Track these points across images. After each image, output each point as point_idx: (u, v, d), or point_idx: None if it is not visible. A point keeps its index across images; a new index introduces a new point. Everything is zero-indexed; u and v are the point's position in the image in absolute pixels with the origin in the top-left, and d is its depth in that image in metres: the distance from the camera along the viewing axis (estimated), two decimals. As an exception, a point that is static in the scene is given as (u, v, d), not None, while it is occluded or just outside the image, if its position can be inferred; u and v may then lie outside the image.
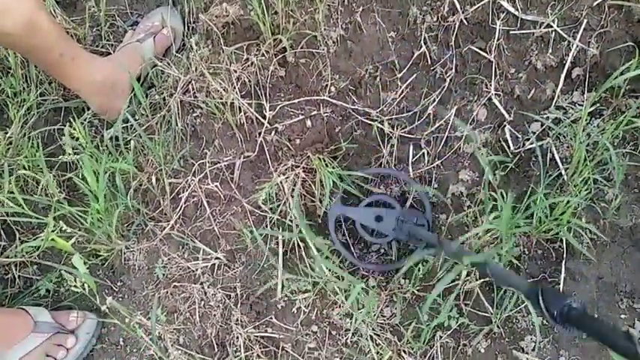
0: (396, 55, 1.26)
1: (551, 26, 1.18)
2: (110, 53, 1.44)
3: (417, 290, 1.16)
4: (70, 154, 1.20)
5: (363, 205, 1.25)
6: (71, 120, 1.25)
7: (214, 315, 1.18)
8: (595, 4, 1.17)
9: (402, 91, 1.27)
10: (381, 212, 1.22)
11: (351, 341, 1.15)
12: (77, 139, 1.19)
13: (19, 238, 1.29)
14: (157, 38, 1.39)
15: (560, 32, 1.18)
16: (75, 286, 1.02)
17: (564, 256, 1.12)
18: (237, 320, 1.17)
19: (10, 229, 1.30)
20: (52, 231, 1.09)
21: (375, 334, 1.13)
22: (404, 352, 1.11)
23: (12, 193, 1.26)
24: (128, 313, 1.16)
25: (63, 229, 1.08)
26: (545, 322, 1.10)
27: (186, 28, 1.44)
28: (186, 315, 1.18)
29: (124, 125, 1.31)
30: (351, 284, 1.11)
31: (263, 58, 1.26)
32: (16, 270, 1.27)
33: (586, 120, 1.13)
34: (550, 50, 1.20)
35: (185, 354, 1.15)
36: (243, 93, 1.25)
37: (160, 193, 1.25)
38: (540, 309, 0.68)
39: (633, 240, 1.12)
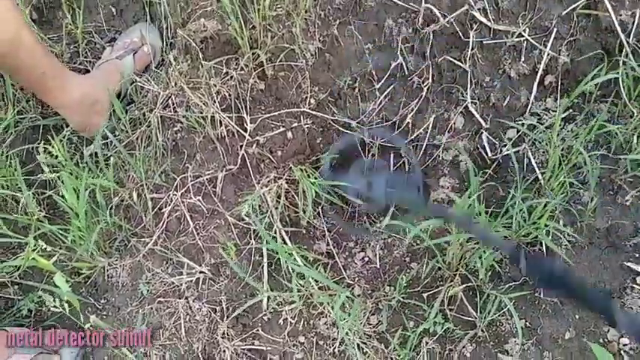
0: (374, 66, 1.28)
1: (523, 35, 1.22)
2: (88, 70, 1.43)
3: (403, 297, 1.17)
4: (47, 172, 1.19)
5: (353, 170, 1.23)
6: (49, 137, 1.24)
7: (200, 329, 1.17)
8: (564, 13, 1.21)
9: (381, 102, 1.29)
10: (370, 177, 1.21)
11: (338, 350, 1.15)
12: (56, 156, 1.18)
13: (-1, 259, 1.27)
14: (136, 55, 1.39)
15: (532, 41, 1.22)
16: (55, 306, 1.01)
17: (544, 258, 1.14)
18: (224, 334, 1.16)
19: (-11, 250, 1.28)
20: (33, 250, 1.08)
21: (362, 342, 1.13)
22: (391, 359, 1.12)
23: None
24: (112, 330, 1.14)
25: (44, 247, 1.07)
26: (527, 324, 1.12)
27: (164, 43, 1.44)
28: (172, 330, 1.17)
29: (104, 141, 1.30)
30: (336, 294, 1.12)
31: (242, 72, 1.27)
32: (-5, 291, 1.25)
33: (560, 125, 1.17)
34: (523, 59, 1.24)
35: (171, 370, 1.14)
36: (224, 107, 1.26)
37: (142, 209, 1.24)
38: (522, 270, 0.68)
39: (610, 241, 1.15)
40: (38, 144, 1.35)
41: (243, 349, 1.16)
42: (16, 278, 1.25)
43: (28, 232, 1.25)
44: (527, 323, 1.12)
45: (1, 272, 1.24)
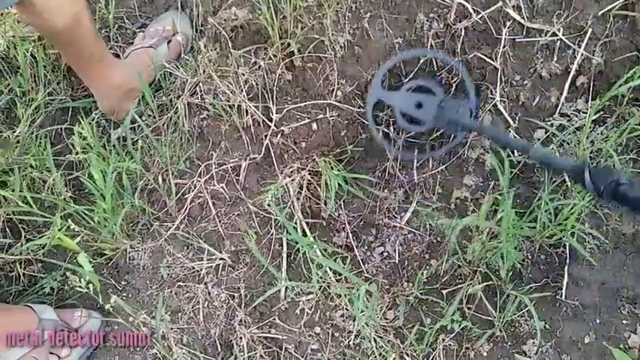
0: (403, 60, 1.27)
1: (557, 35, 1.20)
2: (119, 55, 1.45)
3: (421, 294, 1.17)
4: (77, 153, 1.21)
5: (404, 90, 1.19)
6: (79, 119, 1.26)
7: (218, 315, 1.18)
8: (600, 13, 1.18)
9: (408, 97, 1.28)
10: (422, 98, 1.16)
11: (353, 343, 1.15)
12: (85, 138, 1.20)
13: (25, 236, 1.30)
14: (170, 44, 1.40)
15: (566, 41, 1.20)
16: (80, 286, 1.03)
17: (567, 261, 1.13)
18: (241, 321, 1.17)
19: (16, 227, 1.31)
20: (59, 229, 1.10)
21: (377, 336, 1.13)
22: (407, 354, 1.12)
23: (20, 191, 1.27)
24: (132, 312, 1.16)
25: (70, 226, 1.09)
26: (547, 326, 1.11)
27: (194, 31, 1.46)
28: (190, 315, 1.19)
29: (132, 126, 1.32)
30: (354, 287, 1.12)
31: (271, 61, 1.27)
32: (20, 268, 1.27)
33: (590, 127, 1.15)
34: (555, 58, 1.22)
35: (189, 353, 1.16)
36: (251, 96, 1.27)
37: (165, 194, 1.26)
38: (587, 186, 0.66)
39: (635, 246, 1.13)
40: (67, 125, 1.38)
41: (260, 337, 1.17)
42: (40, 256, 1.28)
43: (55, 211, 1.28)
44: (546, 325, 1.11)
45: (27, 250, 1.26)
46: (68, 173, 1.32)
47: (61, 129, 1.38)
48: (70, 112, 1.41)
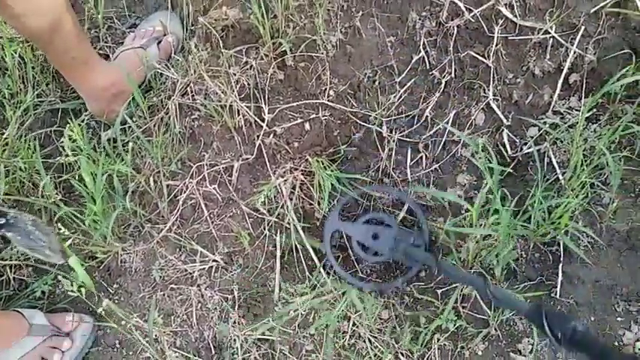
0: (395, 59, 1.27)
1: (549, 32, 1.19)
2: (109, 55, 1.44)
3: (416, 293, 1.16)
4: (67, 155, 1.19)
5: (361, 221, 1.23)
6: (68, 121, 1.25)
7: (211, 317, 1.17)
8: (592, 11, 1.18)
9: (401, 95, 1.27)
10: (377, 230, 1.20)
11: (348, 344, 1.14)
12: (74, 140, 1.19)
13: (15, 240, 1.28)
14: (161, 45, 1.39)
15: (558, 38, 1.20)
16: (71, 290, 1.02)
17: (561, 259, 1.13)
18: (235, 322, 1.16)
19: (6, 231, 1.29)
20: (50, 232, 1.08)
21: (372, 336, 1.13)
22: (402, 354, 1.11)
23: (8, 194, 1.26)
24: (125, 315, 1.15)
25: (60, 231, 1.07)
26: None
27: (185, 30, 1.44)
28: (183, 317, 1.17)
29: (122, 127, 1.30)
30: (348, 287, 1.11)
31: (262, 61, 1.26)
32: (11, 272, 1.25)
33: (583, 125, 1.14)
34: (548, 56, 1.22)
35: (182, 356, 1.15)
36: (242, 96, 1.25)
37: (157, 195, 1.25)
38: (544, 331, 0.68)
39: (629, 244, 1.13)
40: (57, 127, 1.36)
41: (254, 339, 1.16)
42: (30, 261, 1.26)
43: (44, 214, 1.26)
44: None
45: (17, 254, 1.25)
46: (58, 176, 1.30)
47: (51, 131, 1.36)
48: (59, 114, 1.40)
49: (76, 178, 1.19)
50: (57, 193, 1.26)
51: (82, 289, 0.96)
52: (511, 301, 0.83)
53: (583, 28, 1.18)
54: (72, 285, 0.95)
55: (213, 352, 1.16)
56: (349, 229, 1.23)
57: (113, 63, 1.34)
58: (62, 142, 1.31)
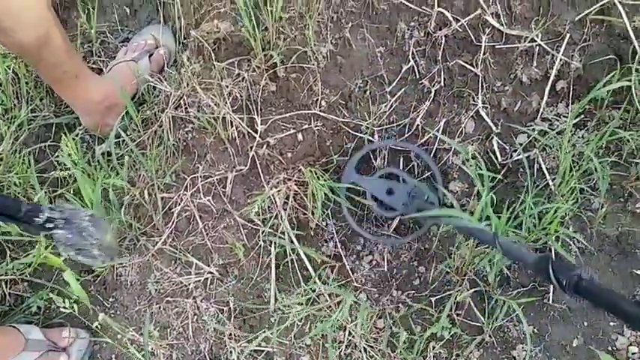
0: (385, 69, 1.28)
1: (535, 40, 1.21)
2: (102, 69, 1.44)
3: (410, 302, 1.17)
4: (62, 169, 1.20)
5: (377, 176, 1.24)
6: (63, 135, 1.25)
7: (207, 330, 1.18)
8: (577, 19, 1.20)
9: (392, 105, 1.29)
10: (393, 185, 1.21)
11: (345, 353, 1.15)
12: (69, 154, 1.19)
13: (10, 255, 1.28)
14: (152, 57, 1.40)
15: (544, 46, 1.22)
16: (64, 307, 1.02)
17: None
18: (231, 335, 1.16)
19: (1, 246, 1.29)
20: (45, 248, 1.09)
21: (368, 345, 1.13)
22: (397, 363, 1.12)
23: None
24: (120, 329, 1.15)
25: (54, 245, 1.08)
26: (535, 330, 1.11)
27: (177, 44, 1.45)
28: (179, 330, 1.18)
29: (116, 140, 1.31)
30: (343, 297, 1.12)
31: (254, 73, 1.27)
32: (6, 287, 1.26)
33: (571, 131, 1.16)
34: (535, 64, 1.23)
35: (178, 369, 1.15)
36: (235, 108, 1.27)
37: (152, 208, 1.25)
38: (550, 280, 0.69)
39: (620, 248, 1.14)
40: (51, 142, 1.37)
41: (250, 351, 1.16)
42: (26, 276, 1.27)
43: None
44: (535, 329, 1.11)
45: (12, 270, 1.25)
46: (53, 190, 1.31)
47: (45, 146, 1.37)
48: (53, 129, 1.40)
49: (71, 192, 1.20)
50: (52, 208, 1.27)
51: (76, 305, 0.96)
52: (518, 253, 0.83)
53: (568, 35, 1.20)
54: (64, 302, 0.95)
55: (210, 364, 1.16)
56: (364, 183, 1.23)
57: (105, 76, 1.35)
58: (57, 156, 1.32)
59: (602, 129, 1.16)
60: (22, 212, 0.87)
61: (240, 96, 1.27)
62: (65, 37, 1.15)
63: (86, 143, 1.39)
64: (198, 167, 1.27)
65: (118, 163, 1.27)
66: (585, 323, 1.10)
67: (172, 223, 1.25)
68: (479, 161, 1.22)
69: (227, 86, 1.26)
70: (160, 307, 1.20)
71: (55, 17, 1.10)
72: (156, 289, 1.21)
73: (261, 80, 1.27)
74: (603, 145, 1.20)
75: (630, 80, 1.15)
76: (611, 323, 1.09)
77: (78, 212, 0.97)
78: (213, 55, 1.28)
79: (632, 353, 1.06)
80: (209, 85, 1.27)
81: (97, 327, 1.14)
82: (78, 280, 1.14)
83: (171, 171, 1.27)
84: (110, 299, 1.25)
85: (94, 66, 1.47)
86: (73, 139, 1.28)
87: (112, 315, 1.24)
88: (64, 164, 1.24)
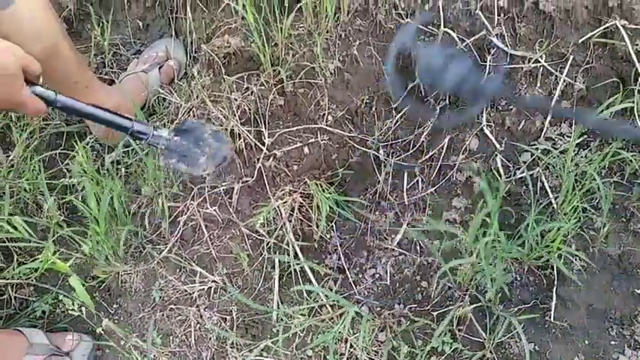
0: (391, 86, 1.31)
1: (539, 61, 1.24)
2: (114, 80, 1.48)
3: (412, 315, 1.18)
4: (71, 177, 1.22)
5: (434, 46, 1.13)
6: (73, 144, 1.28)
7: (210, 338, 1.18)
8: (580, 41, 1.23)
9: (397, 121, 1.31)
10: (453, 56, 1.08)
11: (345, 366, 1.15)
12: (80, 163, 1.22)
13: (17, 260, 1.30)
14: (162, 69, 1.43)
15: (548, 67, 1.24)
16: (72, 309, 1.03)
17: (555, 282, 1.15)
18: (233, 344, 1.17)
19: (8, 250, 1.31)
20: (53, 253, 1.10)
21: (369, 358, 1.13)
22: (398, 377, 1.12)
23: (12, 214, 1.28)
24: (124, 335, 1.16)
25: (61, 251, 1.09)
26: (536, 347, 1.12)
27: (188, 57, 1.49)
28: (182, 338, 1.18)
29: (125, 149, 1.34)
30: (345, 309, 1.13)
31: (263, 87, 1.30)
32: (12, 291, 1.27)
33: (574, 151, 1.18)
34: (538, 84, 1.26)
35: (180, 378, 1.15)
36: (243, 120, 1.29)
37: (158, 217, 1.27)
38: None
39: (622, 268, 1.15)
40: (62, 150, 1.40)
41: (252, 360, 1.16)
42: (32, 280, 1.28)
43: (47, 234, 1.28)
44: (536, 347, 1.11)
45: (19, 274, 1.26)
46: (61, 197, 1.33)
47: (56, 153, 1.40)
48: (64, 137, 1.43)
49: (80, 199, 1.22)
50: (60, 214, 1.29)
51: (83, 309, 0.97)
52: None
53: (572, 57, 1.23)
54: (73, 304, 0.96)
55: (211, 373, 1.17)
56: (421, 50, 1.13)
57: (115, 87, 1.38)
58: (67, 164, 1.35)
59: (605, 149, 1.18)
60: (129, 131, 1.06)
61: (249, 109, 1.29)
62: (74, 49, 1.19)
63: (96, 152, 1.41)
64: (205, 178, 1.29)
65: (127, 172, 1.29)
66: (586, 342, 1.10)
67: (178, 231, 1.26)
68: (486, 176, 1.24)
69: (236, 99, 1.29)
70: (163, 315, 1.21)
71: (62, 29, 1.14)
72: (160, 297, 1.23)
73: (270, 94, 1.29)
74: (606, 166, 1.21)
75: (633, 102, 1.17)
76: (612, 342, 1.09)
77: (203, 127, 1.13)
78: (223, 69, 1.31)
79: (633, 372, 1.06)
80: (218, 98, 1.29)
81: (100, 332, 1.15)
82: (83, 285, 1.15)
83: (179, 181, 1.29)
84: (114, 305, 1.26)
85: (105, 77, 1.50)
86: (84, 147, 1.31)
87: (116, 321, 1.25)
88: (76, 172, 1.26)
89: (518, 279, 1.17)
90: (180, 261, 1.24)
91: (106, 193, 1.17)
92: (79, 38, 1.56)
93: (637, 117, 1.18)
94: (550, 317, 1.12)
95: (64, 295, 1.03)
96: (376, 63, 1.31)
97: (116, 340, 1.15)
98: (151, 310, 1.22)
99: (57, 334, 1.21)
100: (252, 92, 1.29)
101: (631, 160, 1.15)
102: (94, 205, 1.16)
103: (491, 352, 1.11)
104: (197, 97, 1.31)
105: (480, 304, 1.13)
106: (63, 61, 1.15)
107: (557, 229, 1.09)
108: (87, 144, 1.37)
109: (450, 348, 1.11)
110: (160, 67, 1.43)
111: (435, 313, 1.17)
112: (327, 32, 1.29)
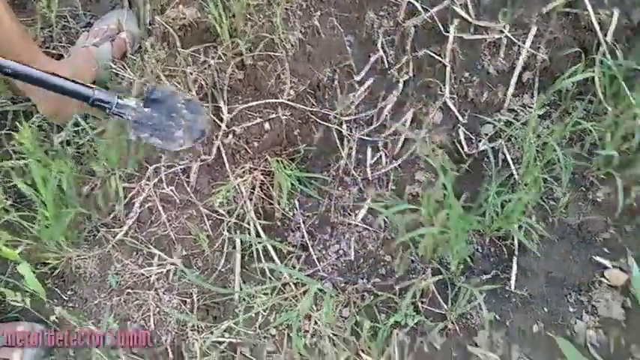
0: (354, 58, 1.27)
1: (503, 32, 1.22)
2: (62, 55, 1.39)
3: (375, 290, 1.17)
4: (18, 159, 1.15)
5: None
6: (18, 124, 1.20)
7: (169, 322, 1.15)
8: (544, 11, 1.21)
9: (360, 95, 1.28)
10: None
11: (310, 343, 1.14)
12: (21, 143, 1.15)
13: (-38, 248, 1.23)
14: (114, 42, 1.36)
15: (511, 38, 1.23)
16: (15, 300, 0.98)
17: (516, 253, 1.15)
18: (194, 326, 1.14)
19: (-48, 238, 1.23)
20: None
21: (333, 334, 1.12)
22: (362, 351, 1.11)
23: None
24: (78, 322, 1.12)
25: (9, 237, 1.04)
26: (497, 317, 1.13)
27: (141, 30, 1.41)
28: (140, 322, 1.15)
29: (76, 129, 1.27)
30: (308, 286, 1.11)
31: (220, 60, 1.24)
32: (-42, 280, 1.20)
33: (536, 122, 1.17)
34: (502, 55, 1.24)
35: (139, 363, 1.12)
36: (200, 95, 1.24)
37: (112, 199, 1.22)
38: None
39: (580, 236, 1.16)
40: (7, 131, 1.31)
41: (213, 342, 1.14)
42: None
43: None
44: (496, 316, 1.13)
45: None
46: (7, 180, 1.26)
47: (0, 134, 1.31)
48: (9, 116, 1.35)
49: (27, 182, 1.15)
50: (6, 198, 1.22)
51: (29, 299, 0.92)
52: None
53: (535, 27, 1.22)
54: (15, 295, 0.91)
55: (172, 356, 1.14)
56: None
57: (63, 61, 1.30)
58: (13, 145, 1.27)
59: (566, 120, 1.18)
60: (90, 100, 0.98)
61: (206, 83, 1.24)
62: (16, 20, 1.11)
63: (44, 131, 1.34)
64: (161, 156, 1.24)
65: (78, 153, 1.22)
66: (546, 309, 1.11)
67: (134, 213, 1.21)
68: (448, 150, 1.23)
69: (192, 73, 1.23)
70: (120, 300, 1.17)
71: (3, 2, 1.06)
72: (116, 282, 1.18)
73: (228, 68, 1.24)
74: (567, 136, 1.22)
75: (594, 72, 1.17)
76: (571, 309, 1.11)
77: (174, 96, 1.02)
78: (178, 41, 1.25)
79: (590, 337, 1.08)
80: (173, 72, 1.24)
81: (53, 321, 1.10)
82: (34, 272, 1.09)
83: (134, 160, 1.23)
84: (68, 292, 1.21)
85: (53, 51, 1.42)
86: (29, 127, 1.23)
87: (71, 308, 1.20)
88: (20, 153, 1.19)
89: (480, 250, 1.18)
90: (137, 244, 1.19)
91: (53, 175, 1.10)
92: (24, 10, 1.47)
93: (597, 86, 1.18)
94: (510, 287, 1.13)
95: (6, 286, 0.97)
96: (338, 35, 1.27)
97: (70, 328, 1.10)
98: (107, 296, 1.18)
99: (7, 325, 1.16)
100: (209, 66, 1.24)
101: (591, 130, 1.16)
102: (40, 188, 1.09)
103: (452, 322, 1.12)
104: (151, 71, 1.25)
105: (441, 276, 1.13)
106: (4, 33, 1.08)
107: (519, 199, 1.09)
108: (33, 123, 1.30)
109: (413, 320, 1.11)
110: (111, 41, 1.36)
111: (397, 287, 1.16)
112: (287, 2, 1.24)
